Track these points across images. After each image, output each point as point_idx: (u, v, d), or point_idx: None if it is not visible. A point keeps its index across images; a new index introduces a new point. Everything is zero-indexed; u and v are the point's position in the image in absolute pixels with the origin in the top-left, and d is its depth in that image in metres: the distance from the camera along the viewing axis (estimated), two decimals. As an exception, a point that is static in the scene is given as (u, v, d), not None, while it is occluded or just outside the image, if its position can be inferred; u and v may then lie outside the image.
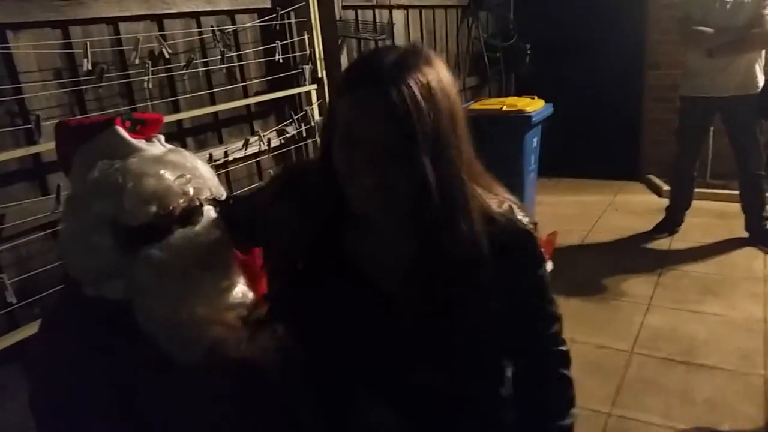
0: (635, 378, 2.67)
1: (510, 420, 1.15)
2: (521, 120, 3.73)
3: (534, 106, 3.84)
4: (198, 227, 1.21)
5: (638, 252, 3.98)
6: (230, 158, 2.74)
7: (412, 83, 0.87)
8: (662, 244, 4.07)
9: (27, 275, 1.99)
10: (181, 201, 1.19)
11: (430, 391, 1.06)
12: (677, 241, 4.08)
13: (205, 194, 1.26)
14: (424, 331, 1.02)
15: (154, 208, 1.15)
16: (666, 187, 4.86)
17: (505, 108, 3.79)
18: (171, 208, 1.18)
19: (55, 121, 2.03)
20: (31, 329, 1.98)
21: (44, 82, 2.07)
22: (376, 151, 0.89)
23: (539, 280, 1.12)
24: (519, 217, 1.08)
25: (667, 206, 4.23)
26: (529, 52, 5.02)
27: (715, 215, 4.41)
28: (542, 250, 1.12)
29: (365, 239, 1.05)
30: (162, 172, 1.18)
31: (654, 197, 4.97)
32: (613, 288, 3.51)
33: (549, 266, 3.18)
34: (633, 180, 5.33)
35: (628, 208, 4.78)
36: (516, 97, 4.17)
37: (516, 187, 3.75)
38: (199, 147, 2.65)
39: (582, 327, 3.08)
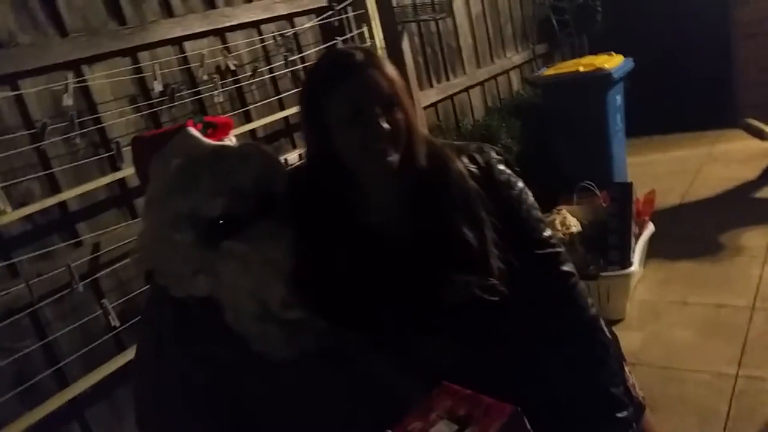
0: (761, 334, 2.46)
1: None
2: (601, 78, 3.54)
3: (613, 62, 3.64)
4: (274, 219, 1.20)
5: (746, 202, 3.68)
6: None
7: (383, 65, 1.18)
8: (771, 190, 3.73)
9: (127, 298, 2.07)
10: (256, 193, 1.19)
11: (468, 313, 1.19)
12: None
13: (280, 187, 1.25)
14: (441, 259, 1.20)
15: (229, 200, 1.16)
16: (768, 129, 4.49)
17: (581, 68, 3.61)
18: (247, 199, 1.18)
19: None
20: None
21: (120, 109, 2.14)
22: (382, 114, 1.15)
23: (520, 192, 1.29)
24: (483, 147, 1.33)
25: None
26: (599, 8, 4.76)
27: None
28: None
29: (371, 209, 1.24)
30: (235, 164, 1.20)
31: (756, 142, 4.58)
32: (723, 242, 3.26)
33: (650, 228, 3.02)
34: (730, 127, 4.94)
35: (729, 157, 4.45)
36: (592, 56, 3.96)
37: (603, 149, 3.68)
38: (278, 152, 2.67)
39: (695, 287, 2.89)
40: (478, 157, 1.29)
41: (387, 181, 1.22)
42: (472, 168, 1.26)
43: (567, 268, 1.30)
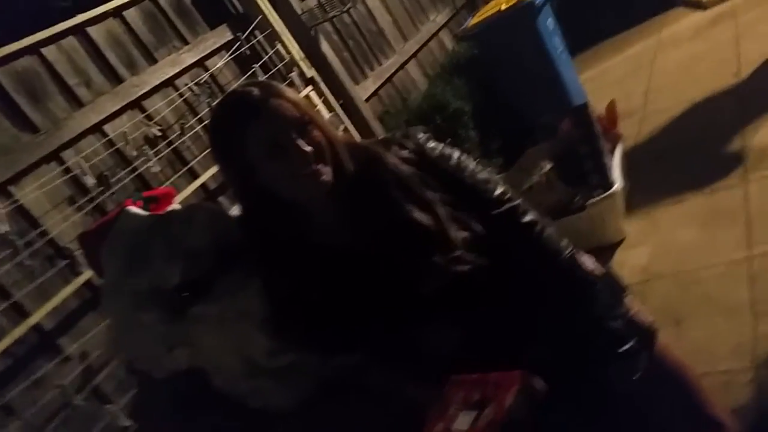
0: (761, 206, 2.39)
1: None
2: (524, 9, 3.47)
3: (532, -11, 3.56)
4: (238, 271, 1.17)
5: (709, 77, 3.57)
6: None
7: (282, 92, 1.17)
8: (730, 54, 3.63)
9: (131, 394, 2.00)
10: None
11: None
12: (746, 43, 3.63)
13: (234, 238, 1.22)
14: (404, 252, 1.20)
15: (185, 264, 1.15)
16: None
17: (504, 6, 3.54)
18: (203, 260, 1.16)
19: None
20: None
21: (63, 214, 2.08)
22: (301, 138, 1.14)
23: (458, 162, 1.29)
24: (408, 131, 1.32)
25: None
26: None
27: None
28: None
29: (320, 230, 1.24)
30: (182, 227, 1.20)
31: (699, 14, 4.53)
32: (697, 125, 3.20)
33: (622, 138, 2.97)
34: (670, 9, 4.87)
35: (678, 37, 4.39)
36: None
37: (551, 78, 3.61)
38: (234, 202, 2.62)
39: (685, 182, 2.81)
40: (406, 142, 1.29)
41: (324, 199, 1.21)
42: (405, 154, 1.26)
43: (528, 218, 1.29)
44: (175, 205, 1.32)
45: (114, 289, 1.17)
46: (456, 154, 1.31)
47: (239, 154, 1.16)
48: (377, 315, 1.18)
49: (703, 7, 4.51)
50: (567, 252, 1.29)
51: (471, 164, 1.31)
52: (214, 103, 2.61)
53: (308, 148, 1.14)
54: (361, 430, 1.19)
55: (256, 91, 1.16)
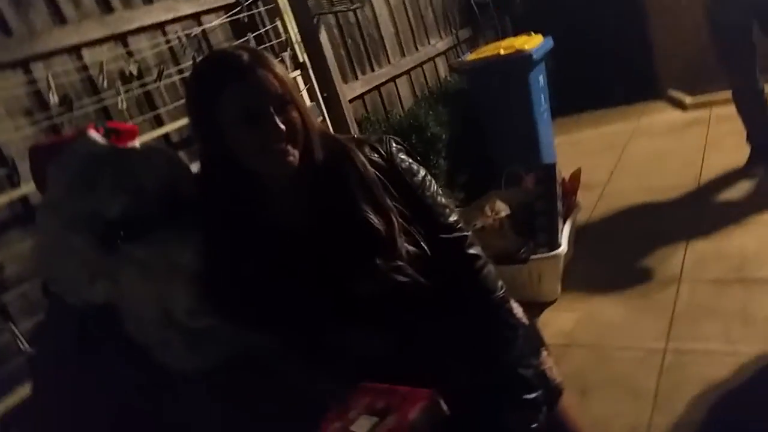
0: (687, 306, 2.50)
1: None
2: (521, 59, 3.54)
3: (532, 42, 3.65)
4: (179, 223, 1.15)
5: (673, 173, 3.74)
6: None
7: (271, 65, 1.16)
8: (696, 158, 3.81)
9: (39, 318, 1.95)
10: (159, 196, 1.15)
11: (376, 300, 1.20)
12: (712, 153, 3.82)
13: (186, 191, 1.22)
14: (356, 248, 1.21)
15: (131, 200, 1.12)
16: (689, 99, 4.62)
17: (502, 51, 3.61)
18: (149, 202, 1.15)
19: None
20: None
21: (16, 124, 2.01)
22: (277, 114, 1.13)
23: (423, 179, 1.30)
24: (383, 137, 1.32)
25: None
26: (517, -11, 4.80)
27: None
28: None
29: (275, 208, 1.23)
30: (137, 164, 1.17)
31: (678, 113, 4.73)
32: (650, 215, 3.33)
33: (578, 206, 3.05)
34: (654, 99, 5.07)
35: (654, 130, 4.56)
36: (512, 38, 3.98)
37: (529, 131, 3.70)
38: (193, 158, 2.57)
39: (624, 264, 2.93)
40: (379, 147, 1.30)
41: (285, 179, 1.21)
42: (375, 157, 1.27)
43: (474, 251, 1.32)
44: (135, 144, 1.29)
45: (52, 206, 1.13)
46: (423, 172, 1.32)
47: (213, 112, 1.14)
48: (306, 303, 1.18)
49: (684, 107, 4.70)
50: (500, 293, 1.33)
51: (434, 187, 1.33)
52: (198, 59, 2.57)
53: (282, 126, 1.13)
54: (254, 411, 1.17)
55: (246, 55, 1.15)
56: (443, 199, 1.34)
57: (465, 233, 1.33)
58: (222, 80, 1.13)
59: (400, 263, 1.21)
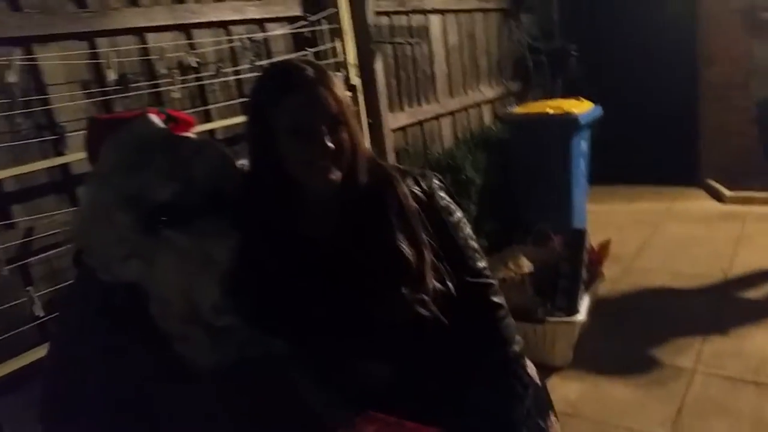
0: (698, 398, 2.44)
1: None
2: (568, 122, 3.55)
3: (581, 107, 3.66)
4: (221, 219, 1.16)
5: (701, 262, 3.70)
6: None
7: (332, 84, 1.18)
8: (726, 251, 3.78)
9: (57, 288, 1.95)
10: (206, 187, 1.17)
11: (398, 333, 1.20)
12: (744, 249, 3.79)
13: (232, 188, 1.23)
14: (382, 276, 1.21)
15: (180, 188, 1.13)
16: (728, 192, 4.58)
17: (550, 110, 3.62)
18: (197, 193, 1.16)
19: (83, 132, 2.03)
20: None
21: (71, 93, 2.04)
22: (328, 133, 1.16)
23: (458, 220, 1.32)
24: (426, 172, 1.35)
25: None
26: (575, 53, 4.83)
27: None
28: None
29: (312, 220, 1.24)
30: (191, 155, 1.19)
31: (715, 203, 4.69)
32: (673, 301, 3.28)
33: (602, 277, 3.02)
34: (691, 186, 5.04)
35: (688, 215, 4.52)
36: (561, 99, 3.99)
37: (564, 193, 3.68)
38: (237, 157, 2.59)
39: (639, 343, 2.87)
40: (421, 181, 1.32)
41: (328, 195, 1.22)
42: (416, 190, 1.29)
43: (497, 299, 1.32)
44: (190, 134, 1.30)
45: (102, 179, 1.14)
46: (459, 213, 1.34)
47: (268, 117, 1.17)
48: (325, 318, 1.18)
49: (721, 199, 4.66)
50: (517, 347, 1.32)
51: (468, 229, 1.35)
52: (256, 63, 2.61)
53: (330, 145, 1.15)
54: (257, 420, 1.15)
55: (310, 70, 1.18)
56: (475, 243, 1.35)
57: (491, 281, 1.34)
58: (282, 89, 1.17)
59: (425, 297, 1.21)
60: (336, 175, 1.18)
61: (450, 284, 1.25)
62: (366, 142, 1.28)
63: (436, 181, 1.34)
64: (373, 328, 1.19)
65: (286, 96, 1.16)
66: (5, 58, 1.84)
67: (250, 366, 1.13)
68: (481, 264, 1.32)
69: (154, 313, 1.10)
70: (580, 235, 2.87)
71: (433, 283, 1.22)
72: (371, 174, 1.24)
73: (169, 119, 1.26)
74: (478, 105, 4.50)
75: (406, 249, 1.20)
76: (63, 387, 1.18)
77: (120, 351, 1.10)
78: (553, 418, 1.37)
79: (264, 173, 1.22)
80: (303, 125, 1.15)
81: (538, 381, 1.40)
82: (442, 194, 1.33)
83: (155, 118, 1.21)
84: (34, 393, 1.88)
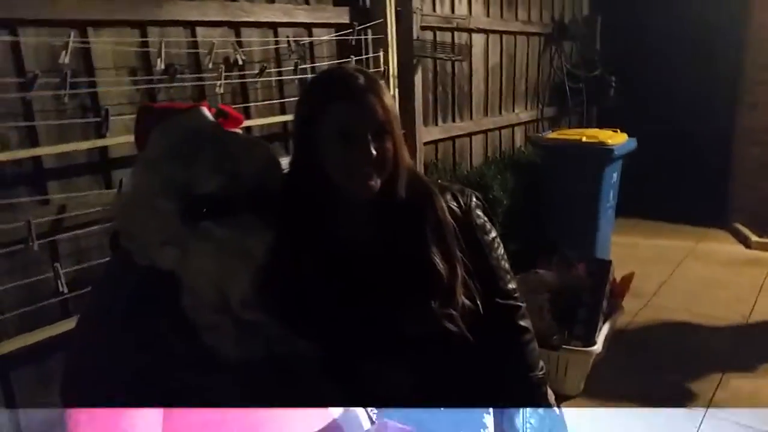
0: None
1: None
2: (602, 152, 3.55)
3: (616, 139, 3.65)
4: (260, 216, 1.20)
5: (721, 305, 3.66)
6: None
7: (382, 93, 1.20)
8: (748, 297, 3.74)
9: (82, 267, 2.01)
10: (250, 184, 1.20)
11: (421, 341, 1.21)
12: (766, 297, 3.75)
13: (273, 187, 1.26)
14: (408, 286, 1.22)
15: (225, 182, 1.16)
16: (755, 238, 4.52)
17: (585, 139, 3.62)
18: (241, 189, 1.19)
19: (125, 117, 2.08)
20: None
21: (118, 78, 2.10)
22: (373, 141, 1.17)
23: (493, 240, 1.34)
24: (465, 189, 1.37)
25: None
26: (614, 84, 4.82)
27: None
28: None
29: (347, 226, 1.26)
30: (240, 151, 1.23)
31: (740, 248, 4.63)
32: (690, 340, 3.26)
33: (621, 310, 3.00)
34: (717, 227, 4.99)
35: (712, 257, 4.47)
36: (597, 129, 3.99)
37: (590, 222, 3.68)
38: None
39: (650, 380, 2.85)
40: (459, 197, 1.33)
41: (366, 202, 1.24)
42: (453, 205, 1.30)
43: (524, 323, 1.34)
44: (237, 131, 1.34)
45: (150, 165, 1.18)
46: (494, 233, 1.36)
47: (316, 120, 1.19)
48: (352, 326, 1.19)
49: (748, 244, 4.61)
50: (540, 373, 1.33)
51: (501, 250, 1.36)
52: (300, 66, 2.66)
53: (374, 152, 1.17)
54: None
55: (362, 79, 1.20)
56: (507, 265, 1.36)
57: (520, 303, 1.35)
58: (333, 94, 1.19)
59: (453, 312, 1.22)
60: (376, 182, 1.19)
61: (478, 302, 1.26)
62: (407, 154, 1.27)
63: (475, 200, 1.35)
64: (399, 339, 1.20)
65: (337, 102, 1.18)
66: (62, 39, 1.90)
67: (275, 362, 1.15)
68: (512, 286, 1.34)
69: (185, 302, 1.12)
70: (606, 265, 2.86)
71: (463, 300, 1.23)
72: (410, 185, 1.26)
73: (219, 114, 1.29)
74: (511, 126, 4.51)
75: (439, 263, 1.21)
76: (87, 365, 1.20)
77: (149, 334, 1.13)
78: None
79: (305, 175, 1.24)
80: (350, 131, 1.17)
81: (557, 410, 1.41)
82: (479, 213, 1.34)
83: (207, 112, 1.25)
84: (52, 366, 1.94)
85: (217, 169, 1.15)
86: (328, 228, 1.25)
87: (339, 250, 1.24)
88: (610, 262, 2.89)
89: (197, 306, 1.12)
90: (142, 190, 1.15)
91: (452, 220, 1.27)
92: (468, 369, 1.25)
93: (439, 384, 1.22)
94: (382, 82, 1.25)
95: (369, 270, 1.23)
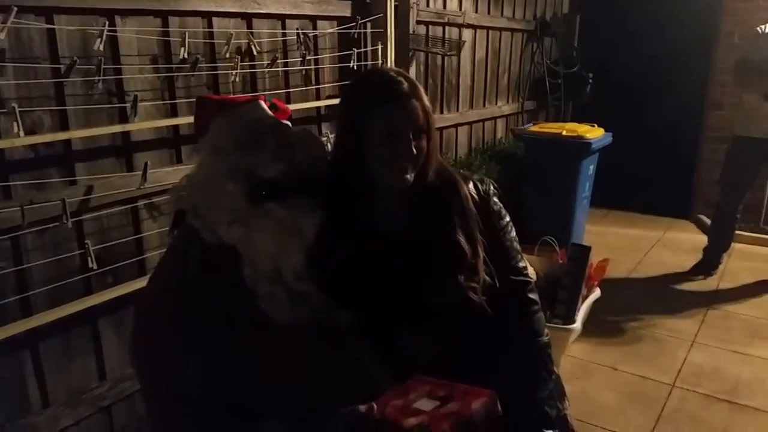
0: (675, 411, 2.68)
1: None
2: (581, 146, 3.77)
3: (594, 133, 3.88)
4: (312, 199, 1.35)
5: (685, 289, 3.98)
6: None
7: (423, 98, 1.36)
8: (710, 284, 4.05)
9: (105, 245, 2.15)
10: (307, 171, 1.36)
11: (445, 312, 1.37)
12: (725, 282, 4.06)
13: (322, 173, 1.42)
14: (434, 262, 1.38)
15: (285, 169, 1.31)
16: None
17: (565, 133, 3.83)
18: (297, 175, 1.34)
19: (147, 103, 2.20)
20: (102, 297, 2.14)
21: (141, 66, 2.21)
22: (413, 140, 1.33)
23: (507, 224, 1.51)
24: (484, 179, 1.54)
25: (704, 247, 4.24)
26: (590, 81, 5.05)
27: (765, 260, 4.39)
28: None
29: (381, 211, 1.42)
30: (298, 142, 1.39)
31: (703, 237, 4.90)
32: (657, 321, 3.52)
33: (597, 293, 3.23)
34: (683, 218, 5.30)
35: (677, 245, 4.76)
36: (576, 123, 4.21)
37: (568, 211, 3.90)
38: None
39: (625, 356, 3.12)
40: (480, 185, 1.50)
41: (397, 192, 1.40)
42: (473, 193, 1.47)
43: (533, 296, 1.52)
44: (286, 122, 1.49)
45: (217, 152, 1.31)
46: (508, 218, 1.53)
47: (362, 120, 1.34)
48: (387, 300, 1.35)
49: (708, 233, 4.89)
50: (545, 338, 1.51)
51: (513, 233, 1.53)
52: (307, 57, 2.79)
53: (414, 150, 1.33)
54: (319, 375, 1.31)
55: (406, 85, 1.35)
56: (518, 245, 1.54)
57: (529, 279, 1.53)
58: (380, 98, 1.33)
59: (476, 285, 1.39)
60: (411, 175, 1.35)
61: (495, 278, 1.43)
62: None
63: (492, 188, 1.52)
64: (428, 310, 1.37)
65: (383, 105, 1.32)
66: (95, 27, 2.01)
67: (321, 329, 1.30)
68: (522, 264, 1.52)
69: (246, 273, 1.27)
70: (585, 251, 3.07)
71: (483, 276, 1.40)
72: (438, 176, 1.42)
73: (272, 107, 1.44)
74: (494, 118, 4.70)
75: (463, 243, 1.38)
76: (153, 327, 1.35)
77: (213, 301, 1.28)
78: (567, 402, 1.56)
79: (347, 165, 1.39)
80: (395, 132, 1.32)
81: (557, 371, 1.58)
82: (496, 200, 1.51)
83: (264, 105, 1.40)
84: (76, 339, 2.07)
85: (278, 158, 1.30)
86: (367, 212, 1.41)
87: (376, 231, 1.40)
88: (589, 248, 3.10)
89: (256, 276, 1.27)
90: (212, 174, 1.30)
91: (474, 207, 1.44)
92: (486, 335, 1.41)
93: (462, 349, 1.38)
94: (420, 87, 1.40)
95: (403, 249, 1.39)
